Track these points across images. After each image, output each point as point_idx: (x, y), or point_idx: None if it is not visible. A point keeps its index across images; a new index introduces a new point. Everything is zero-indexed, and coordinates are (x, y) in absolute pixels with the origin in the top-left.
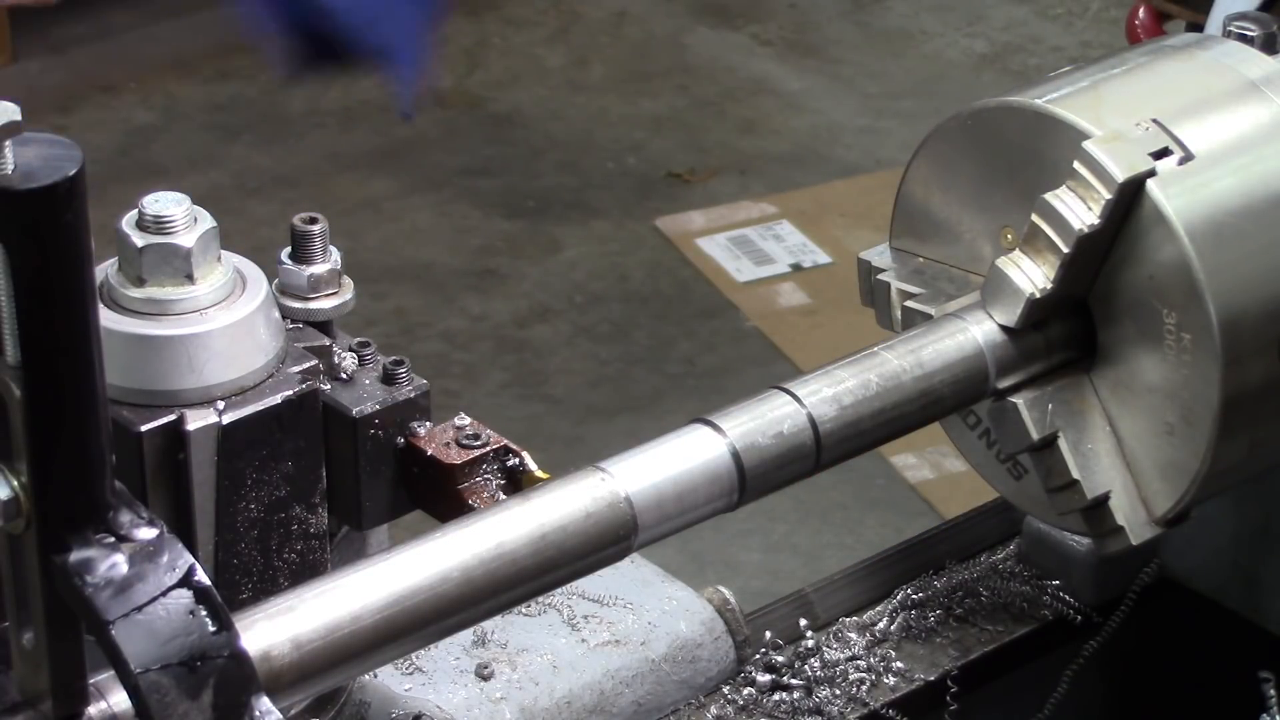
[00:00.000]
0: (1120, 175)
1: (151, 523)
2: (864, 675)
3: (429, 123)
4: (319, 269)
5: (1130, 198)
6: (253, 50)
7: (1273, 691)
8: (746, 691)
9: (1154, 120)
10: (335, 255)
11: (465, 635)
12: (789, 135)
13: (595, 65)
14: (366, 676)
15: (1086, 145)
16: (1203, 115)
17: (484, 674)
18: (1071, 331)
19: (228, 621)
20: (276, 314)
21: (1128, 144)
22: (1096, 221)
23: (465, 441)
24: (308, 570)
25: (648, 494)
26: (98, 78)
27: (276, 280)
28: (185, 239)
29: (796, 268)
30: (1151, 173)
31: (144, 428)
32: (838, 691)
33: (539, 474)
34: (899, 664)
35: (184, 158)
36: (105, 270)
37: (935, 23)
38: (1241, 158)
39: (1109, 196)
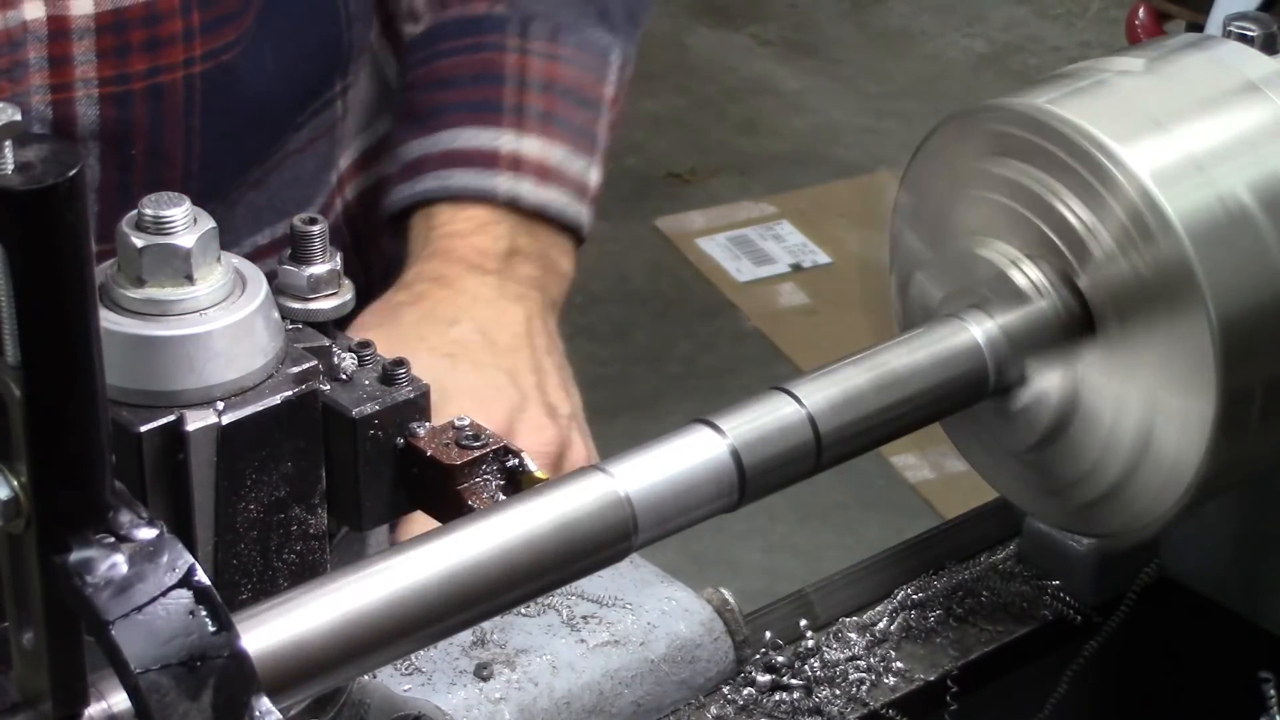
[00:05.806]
0: (1120, 175)
1: (151, 523)
2: (864, 675)
3: None
4: (319, 269)
5: (1129, 198)
6: None
7: (1273, 691)
8: (746, 692)
9: (1154, 120)
10: (336, 256)
11: (465, 635)
12: (789, 135)
13: None
14: (366, 676)
15: (1087, 145)
16: (1203, 115)
17: (483, 674)
18: (1071, 331)
19: (228, 621)
20: (276, 314)
21: (1128, 144)
22: (1096, 221)
23: (465, 442)
24: (308, 570)
25: (648, 494)
26: None
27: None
28: (185, 239)
29: (796, 268)
30: (1151, 173)
31: (144, 428)
32: (838, 691)
33: (539, 474)
34: (899, 664)
35: None
36: (105, 271)
37: (935, 23)
38: (1241, 158)
39: (1109, 196)
